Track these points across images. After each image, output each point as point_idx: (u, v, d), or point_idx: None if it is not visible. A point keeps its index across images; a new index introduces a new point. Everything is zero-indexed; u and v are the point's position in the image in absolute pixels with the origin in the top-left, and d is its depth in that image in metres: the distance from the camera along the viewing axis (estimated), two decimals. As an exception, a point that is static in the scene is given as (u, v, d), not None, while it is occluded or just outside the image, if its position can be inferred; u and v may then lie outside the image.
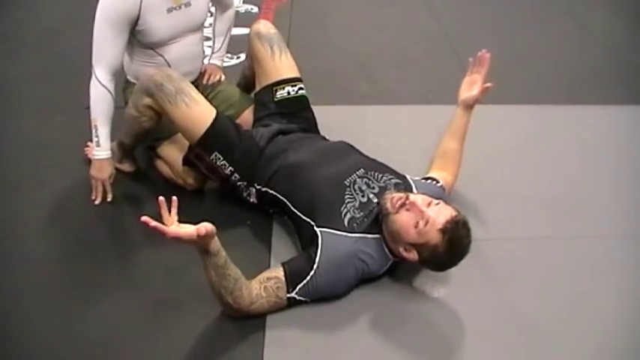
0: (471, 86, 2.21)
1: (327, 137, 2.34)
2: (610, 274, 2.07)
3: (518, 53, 3.45)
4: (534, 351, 1.81)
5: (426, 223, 1.80)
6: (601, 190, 2.44)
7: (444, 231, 1.79)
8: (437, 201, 1.86)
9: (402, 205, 1.84)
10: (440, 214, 1.81)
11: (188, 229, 1.60)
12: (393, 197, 1.87)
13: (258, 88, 2.39)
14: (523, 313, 1.92)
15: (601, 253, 2.15)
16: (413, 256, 1.86)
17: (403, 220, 1.83)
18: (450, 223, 1.79)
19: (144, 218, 1.57)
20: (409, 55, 3.42)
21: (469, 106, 2.22)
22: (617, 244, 2.19)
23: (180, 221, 1.63)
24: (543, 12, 3.97)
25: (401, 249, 1.88)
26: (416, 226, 1.81)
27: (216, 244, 1.68)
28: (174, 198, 1.64)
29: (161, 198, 1.62)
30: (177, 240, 1.61)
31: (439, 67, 3.26)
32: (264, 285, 1.82)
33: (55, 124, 2.69)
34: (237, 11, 2.75)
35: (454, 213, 1.83)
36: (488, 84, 2.18)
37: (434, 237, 1.80)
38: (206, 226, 1.61)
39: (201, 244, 1.65)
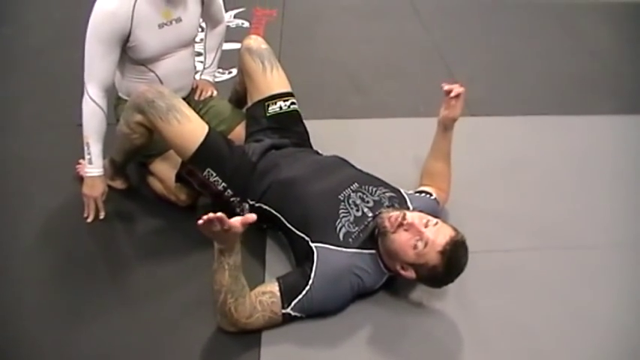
0: (447, 107, 2.17)
1: (319, 151, 2.34)
2: (605, 283, 2.08)
3: (508, 64, 3.48)
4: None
5: (425, 244, 1.78)
6: (593, 199, 2.45)
7: (443, 252, 1.78)
8: (435, 220, 1.84)
9: (400, 225, 1.82)
10: (439, 235, 1.79)
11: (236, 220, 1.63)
12: (391, 216, 1.85)
13: (249, 104, 2.39)
14: (520, 323, 1.92)
15: (595, 262, 2.16)
16: (410, 274, 1.85)
17: (402, 240, 1.81)
18: (449, 244, 1.78)
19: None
20: (399, 67, 3.43)
21: (447, 127, 2.21)
22: (611, 253, 2.21)
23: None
24: (532, 22, 4.00)
25: (398, 267, 1.87)
26: (415, 248, 1.79)
27: (238, 243, 1.70)
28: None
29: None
30: (231, 229, 1.60)
31: (429, 78, 3.26)
32: (259, 299, 1.81)
33: (46, 142, 2.67)
34: (228, 26, 2.74)
35: (452, 233, 1.81)
36: (457, 90, 2.12)
37: (433, 258, 1.79)
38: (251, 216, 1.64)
39: (236, 237, 1.66)
